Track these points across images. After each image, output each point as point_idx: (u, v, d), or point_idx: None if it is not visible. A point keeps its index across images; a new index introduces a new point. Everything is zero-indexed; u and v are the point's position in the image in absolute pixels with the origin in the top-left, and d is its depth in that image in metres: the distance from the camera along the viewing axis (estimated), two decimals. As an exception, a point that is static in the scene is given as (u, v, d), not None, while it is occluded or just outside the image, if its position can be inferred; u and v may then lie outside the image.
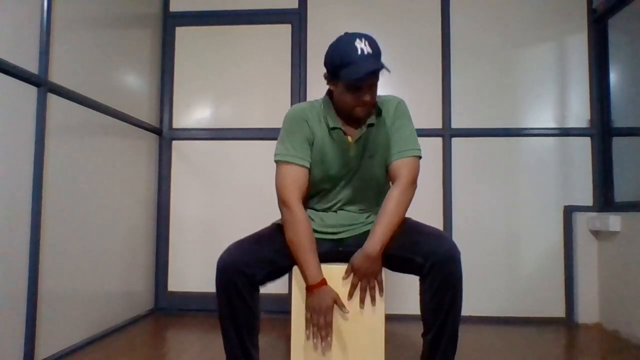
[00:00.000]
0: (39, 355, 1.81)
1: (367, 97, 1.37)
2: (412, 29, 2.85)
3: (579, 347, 2.23)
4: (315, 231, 1.46)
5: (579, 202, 2.68)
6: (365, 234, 1.41)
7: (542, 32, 2.78)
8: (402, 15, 2.86)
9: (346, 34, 1.39)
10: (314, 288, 1.34)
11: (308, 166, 1.45)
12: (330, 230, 1.50)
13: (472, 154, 2.76)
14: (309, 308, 1.36)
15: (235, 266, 1.30)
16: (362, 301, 1.38)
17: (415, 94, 2.75)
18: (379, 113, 1.48)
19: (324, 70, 1.42)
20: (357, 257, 1.37)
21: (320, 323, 1.34)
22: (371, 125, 1.46)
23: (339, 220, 1.50)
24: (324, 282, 1.36)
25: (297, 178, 1.42)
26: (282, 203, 1.41)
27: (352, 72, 1.31)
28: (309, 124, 1.47)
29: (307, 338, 1.37)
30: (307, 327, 1.37)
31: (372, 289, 1.38)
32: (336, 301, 1.35)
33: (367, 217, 1.52)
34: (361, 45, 1.32)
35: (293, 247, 1.38)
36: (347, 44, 1.34)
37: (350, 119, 1.45)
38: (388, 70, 1.32)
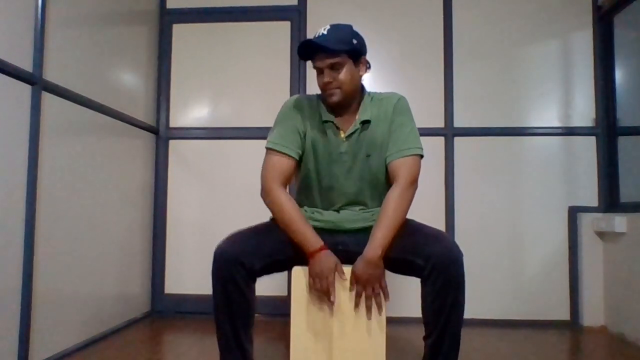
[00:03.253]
0: (33, 359, 1.79)
1: (326, 78, 1.41)
2: (413, 25, 2.82)
3: (584, 351, 2.21)
4: (315, 221, 1.47)
5: (583, 203, 2.66)
6: (367, 230, 1.40)
7: (546, 29, 2.76)
8: (404, 11, 2.83)
9: None
10: (315, 253, 1.35)
11: (295, 156, 1.45)
12: (330, 221, 1.49)
13: (475, 154, 2.74)
14: (311, 274, 1.36)
15: (234, 255, 1.30)
16: (368, 310, 1.37)
17: (416, 92, 2.72)
18: (377, 110, 1.47)
19: None
20: (358, 264, 1.35)
21: (324, 286, 1.34)
22: (367, 122, 1.45)
23: (340, 217, 1.50)
24: (324, 247, 1.36)
25: (279, 166, 1.44)
26: (263, 190, 1.44)
27: (298, 48, 1.41)
28: (302, 115, 1.48)
29: (309, 342, 1.36)
30: (310, 292, 1.38)
31: (377, 295, 1.36)
32: (336, 265, 1.36)
33: (371, 215, 1.50)
34: (320, 30, 1.41)
35: (285, 224, 1.39)
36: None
37: (332, 107, 1.46)
38: (324, 46, 1.36)
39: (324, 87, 1.43)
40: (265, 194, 1.43)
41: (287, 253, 1.41)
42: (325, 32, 1.40)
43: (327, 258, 1.35)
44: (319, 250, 1.35)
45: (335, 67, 1.40)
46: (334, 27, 1.42)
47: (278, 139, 1.45)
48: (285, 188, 1.45)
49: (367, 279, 1.33)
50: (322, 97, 1.48)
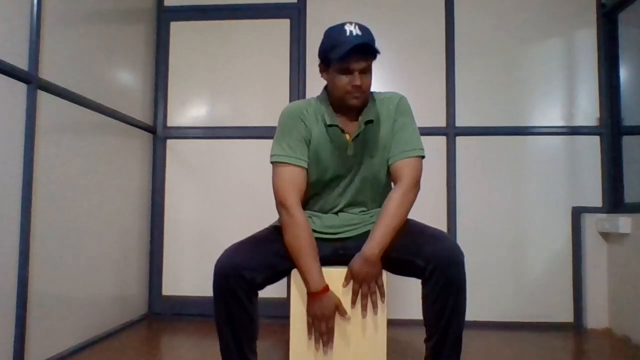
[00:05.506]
0: (28, 362, 1.79)
1: (358, 81, 1.35)
2: (414, 23, 2.80)
3: (588, 354, 2.20)
4: (315, 231, 1.44)
5: (587, 203, 2.64)
6: (367, 235, 1.39)
7: (549, 27, 2.73)
8: (405, 9, 2.81)
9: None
10: (317, 295, 1.33)
11: (305, 166, 1.42)
12: (330, 230, 1.47)
13: (477, 154, 2.72)
14: (310, 314, 1.34)
15: (234, 270, 1.28)
16: (364, 308, 1.37)
17: (418, 92, 2.71)
18: (378, 110, 1.45)
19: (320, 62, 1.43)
20: (355, 261, 1.34)
21: (322, 329, 1.33)
22: (370, 122, 1.43)
23: (340, 221, 1.48)
24: (326, 288, 1.34)
25: (294, 179, 1.40)
26: (281, 205, 1.39)
27: (341, 50, 1.32)
28: (305, 122, 1.44)
29: (309, 344, 1.36)
30: (308, 332, 1.36)
31: (373, 293, 1.36)
32: (338, 307, 1.34)
33: (370, 217, 1.49)
34: (350, 28, 1.35)
35: (293, 252, 1.36)
36: (338, 29, 1.37)
37: (345, 109, 1.42)
38: (377, 51, 1.33)
39: (352, 89, 1.36)
40: (284, 210, 1.37)
41: (289, 262, 1.39)
42: (360, 32, 1.34)
43: (328, 301, 1.33)
44: (321, 293, 1.33)
45: (365, 71, 1.37)
46: (361, 26, 1.37)
47: (287, 150, 1.40)
48: (301, 200, 1.41)
49: (364, 277, 1.33)
50: (338, 97, 1.40)
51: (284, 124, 1.44)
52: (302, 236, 1.34)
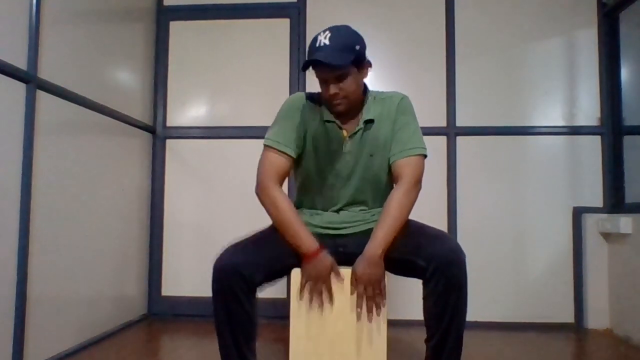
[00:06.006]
0: (27, 362, 1.78)
1: (332, 90, 1.36)
2: (415, 23, 2.79)
3: (589, 354, 2.20)
4: (316, 227, 1.46)
5: (588, 203, 2.64)
6: (367, 232, 1.39)
7: (550, 26, 2.72)
8: (405, 8, 2.80)
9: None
10: (312, 256, 1.34)
11: (292, 155, 1.43)
12: (331, 226, 1.48)
13: (478, 153, 2.71)
14: (307, 276, 1.35)
15: (233, 269, 1.28)
16: (369, 310, 1.35)
17: (418, 91, 2.68)
18: (380, 110, 1.45)
19: None
20: (359, 263, 1.34)
21: (320, 289, 1.34)
22: (370, 121, 1.43)
23: (341, 219, 1.49)
24: (319, 249, 1.35)
25: (276, 163, 1.42)
26: (258, 187, 1.41)
27: (303, 63, 1.35)
28: (303, 114, 1.46)
29: (309, 345, 1.36)
30: (302, 296, 1.36)
31: (378, 295, 1.35)
32: (332, 267, 1.35)
33: (371, 216, 1.49)
34: (321, 38, 1.34)
35: (280, 225, 1.38)
36: (315, 37, 1.36)
37: (343, 113, 1.43)
38: (329, 62, 1.30)
39: (329, 98, 1.38)
40: (261, 191, 1.41)
41: (288, 261, 1.39)
42: (327, 42, 1.32)
43: (323, 260, 1.34)
44: (315, 254, 1.34)
45: (341, 78, 1.36)
46: (335, 33, 1.34)
47: (277, 136, 1.43)
48: (281, 186, 1.43)
49: (368, 279, 1.32)
50: (326, 104, 1.45)
51: (283, 111, 1.48)
52: (283, 209, 1.37)
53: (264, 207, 1.41)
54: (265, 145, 1.44)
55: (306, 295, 1.36)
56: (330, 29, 1.35)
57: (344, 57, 1.32)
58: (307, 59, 1.35)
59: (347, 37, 1.35)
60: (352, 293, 1.35)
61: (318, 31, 1.38)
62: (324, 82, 1.38)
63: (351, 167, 1.45)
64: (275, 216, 1.39)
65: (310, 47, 1.36)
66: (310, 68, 1.37)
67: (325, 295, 1.35)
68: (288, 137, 1.43)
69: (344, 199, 1.48)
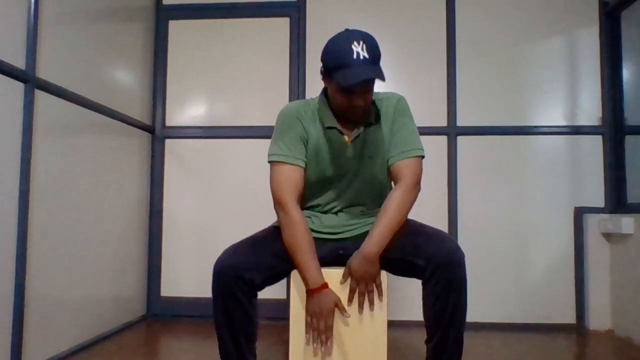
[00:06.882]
0: (25, 363, 1.78)
1: (360, 102, 1.33)
2: (415, 22, 2.78)
3: (591, 355, 2.19)
4: (314, 231, 1.44)
5: (590, 204, 2.63)
6: (366, 234, 1.38)
7: (551, 25, 2.72)
8: (406, 8, 2.79)
9: (346, 31, 1.34)
10: (315, 292, 1.32)
11: (303, 165, 1.42)
12: (330, 230, 1.47)
13: (479, 153, 2.71)
14: (309, 312, 1.33)
15: (233, 270, 1.28)
16: (360, 306, 1.36)
17: (419, 91, 2.70)
18: (377, 111, 1.45)
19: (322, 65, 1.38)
20: (354, 259, 1.34)
21: (321, 327, 1.32)
22: (369, 124, 1.43)
23: (340, 222, 1.48)
24: (325, 285, 1.33)
25: (292, 178, 1.40)
26: (278, 204, 1.39)
27: (345, 78, 1.27)
28: (302, 123, 1.44)
29: (307, 342, 1.35)
30: (307, 331, 1.35)
31: (371, 292, 1.36)
32: (337, 305, 1.33)
33: (370, 217, 1.48)
34: (358, 49, 1.27)
35: (291, 250, 1.35)
36: (344, 45, 1.28)
37: (345, 118, 1.42)
38: (383, 79, 1.27)
39: (355, 108, 1.34)
40: (281, 208, 1.37)
41: (288, 264, 1.38)
42: (367, 55, 1.26)
43: (327, 298, 1.32)
44: (319, 290, 1.32)
45: (370, 89, 1.35)
46: (366, 41, 1.28)
47: (285, 150, 1.40)
48: (299, 199, 1.41)
49: (362, 275, 1.33)
50: (338, 110, 1.39)
51: (281, 124, 1.44)
52: (299, 234, 1.34)
53: (280, 225, 1.38)
54: (275, 161, 1.41)
55: (309, 333, 1.33)
56: (362, 38, 1.29)
57: (381, 69, 1.30)
58: (340, 68, 1.27)
59: (377, 46, 1.32)
60: (342, 284, 1.35)
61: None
62: (350, 93, 1.31)
63: (353, 171, 1.45)
64: (289, 238, 1.35)
65: (344, 57, 1.27)
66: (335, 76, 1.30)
67: (327, 334, 1.32)
68: (295, 148, 1.41)
69: (344, 201, 1.48)
